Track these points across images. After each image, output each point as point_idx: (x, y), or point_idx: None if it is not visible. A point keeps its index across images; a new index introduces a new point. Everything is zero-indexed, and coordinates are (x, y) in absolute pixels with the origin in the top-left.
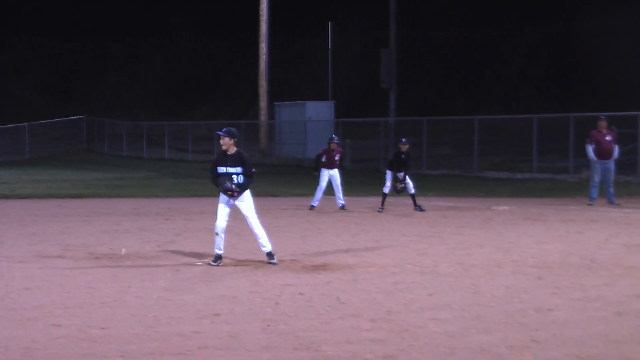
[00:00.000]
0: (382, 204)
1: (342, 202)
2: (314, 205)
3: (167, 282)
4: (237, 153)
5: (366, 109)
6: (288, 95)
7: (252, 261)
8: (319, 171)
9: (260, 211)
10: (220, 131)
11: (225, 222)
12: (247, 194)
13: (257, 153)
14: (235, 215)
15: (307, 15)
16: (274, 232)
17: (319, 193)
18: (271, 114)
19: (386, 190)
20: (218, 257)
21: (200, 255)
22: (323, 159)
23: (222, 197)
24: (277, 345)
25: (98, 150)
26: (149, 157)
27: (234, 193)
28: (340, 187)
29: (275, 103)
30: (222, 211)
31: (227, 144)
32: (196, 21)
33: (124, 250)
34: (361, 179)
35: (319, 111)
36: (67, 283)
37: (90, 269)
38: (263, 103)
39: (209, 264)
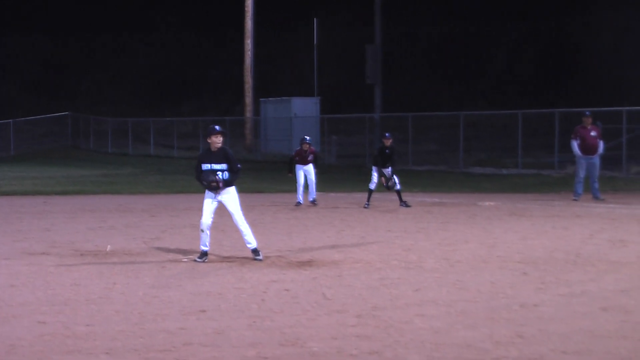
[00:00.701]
0: (368, 200)
1: (314, 197)
2: (300, 202)
3: (153, 279)
4: (222, 150)
5: (352, 105)
6: (273, 91)
7: (237, 257)
8: (293, 173)
9: (246, 207)
10: (216, 128)
11: (211, 219)
12: (233, 190)
13: (242, 149)
14: (221, 212)
15: (293, 11)
16: (259, 229)
17: (300, 189)
18: (257, 110)
19: (372, 186)
20: (204, 254)
21: (186, 252)
22: (296, 159)
23: (208, 193)
24: (262, 342)
25: (83, 147)
26: (134, 154)
27: (218, 183)
28: (314, 182)
29: (261, 99)
30: (208, 208)
31: (221, 142)
32: (181, 17)
33: (109, 247)
34: (347, 175)
35: (305, 107)
36: (53, 280)
37: (75, 266)
38: (248, 99)
39: (195, 261)
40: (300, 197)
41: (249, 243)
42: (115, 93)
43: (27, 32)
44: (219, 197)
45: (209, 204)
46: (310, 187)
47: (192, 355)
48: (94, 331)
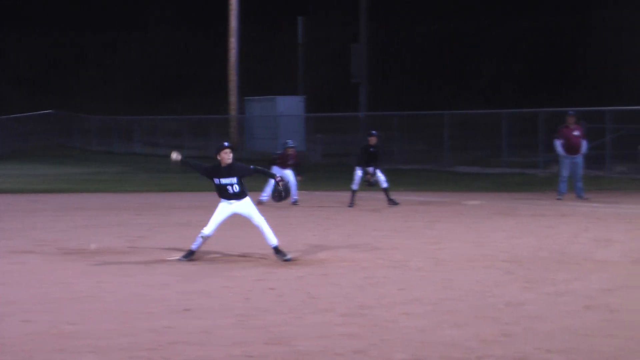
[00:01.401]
0: (352, 201)
1: (296, 197)
2: (262, 200)
3: (139, 278)
4: (232, 165)
5: (338, 104)
6: (259, 90)
7: (223, 256)
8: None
9: None
10: (225, 144)
11: (213, 232)
12: (247, 199)
13: None
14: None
15: (278, 9)
16: (246, 228)
17: (268, 188)
18: (242, 109)
19: (355, 187)
20: (190, 253)
21: (172, 251)
22: (278, 161)
23: (221, 204)
24: (248, 340)
25: (69, 145)
26: (120, 152)
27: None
28: (294, 184)
29: (246, 98)
30: (217, 219)
31: (231, 159)
32: (166, 15)
33: (93, 245)
34: (332, 174)
35: (290, 106)
36: (38, 278)
37: (61, 265)
38: (233, 98)
39: (181, 260)
40: (265, 196)
41: (270, 241)
42: (103, 91)
43: (16, 28)
44: (235, 209)
45: (220, 215)
46: (291, 189)
47: (178, 354)
48: (80, 330)
